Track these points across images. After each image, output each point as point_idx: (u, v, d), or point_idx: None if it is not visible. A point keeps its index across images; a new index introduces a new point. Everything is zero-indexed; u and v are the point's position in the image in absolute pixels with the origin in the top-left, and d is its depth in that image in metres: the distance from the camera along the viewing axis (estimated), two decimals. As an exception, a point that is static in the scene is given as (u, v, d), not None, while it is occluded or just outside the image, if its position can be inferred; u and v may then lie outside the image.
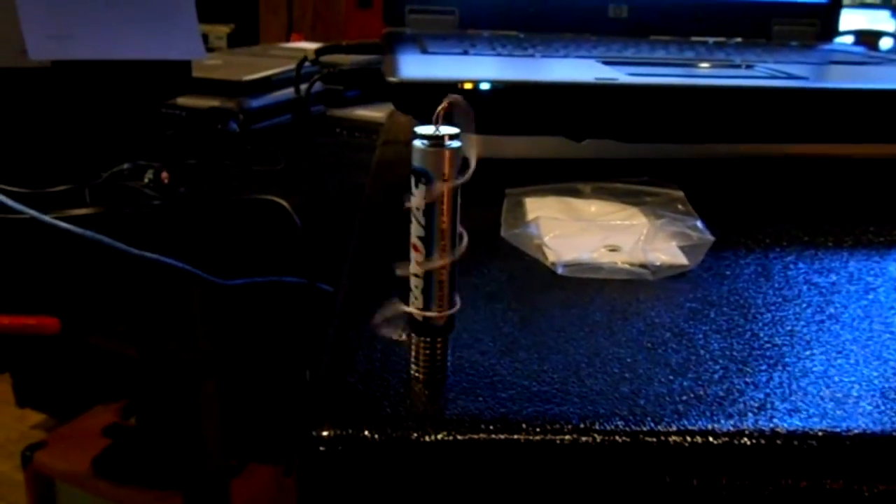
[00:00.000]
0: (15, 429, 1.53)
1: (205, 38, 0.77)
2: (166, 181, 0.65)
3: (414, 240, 0.23)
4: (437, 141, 0.22)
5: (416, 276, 0.24)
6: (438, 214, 0.23)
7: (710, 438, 0.22)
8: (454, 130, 0.22)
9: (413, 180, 0.23)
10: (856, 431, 0.22)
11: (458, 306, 0.24)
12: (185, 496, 0.92)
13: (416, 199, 0.23)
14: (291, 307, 0.73)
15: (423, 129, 0.23)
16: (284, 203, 0.64)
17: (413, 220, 0.23)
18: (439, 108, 0.22)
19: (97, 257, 0.58)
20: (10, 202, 0.55)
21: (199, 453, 0.84)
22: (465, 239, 0.23)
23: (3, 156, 0.65)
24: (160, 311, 0.74)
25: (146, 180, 0.65)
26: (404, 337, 0.25)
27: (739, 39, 0.71)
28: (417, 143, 0.22)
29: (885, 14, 1.84)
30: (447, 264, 0.23)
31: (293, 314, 0.77)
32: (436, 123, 0.22)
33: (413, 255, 0.23)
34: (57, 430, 1.26)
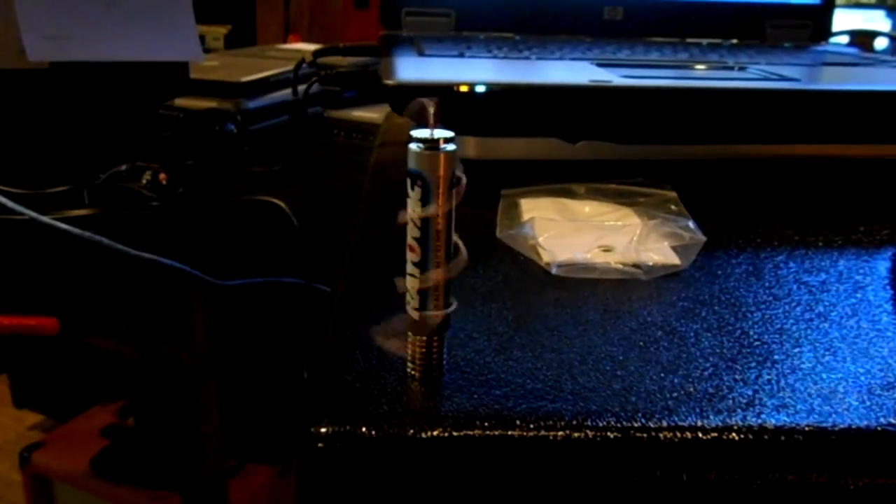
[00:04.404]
0: (13, 429, 1.53)
1: (201, 38, 0.78)
2: (164, 182, 0.65)
3: (410, 241, 0.24)
4: (432, 144, 0.23)
5: (412, 276, 0.24)
6: (434, 217, 0.23)
7: (700, 434, 0.23)
8: (449, 134, 0.23)
9: (409, 183, 0.23)
10: (842, 427, 0.23)
11: (453, 307, 0.25)
12: (183, 496, 0.93)
13: (412, 202, 0.23)
14: (289, 307, 0.74)
15: (418, 133, 0.23)
16: (282, 204, 0.65)
17: (409, 223, 0.24)
18: (430, 111, 0.22)
19: (96, 258, 0.58)
20: (9, 203, 0.56)
21: (197, 453, 0.85)
22: (464, 251, 0.24)
23: (1, 157, 0.66)
24: (159, 311, 0.74)
25: (144, 181, 0.65)
26: (401, 344, 0.25)
27: (734, 41, 0.71)
28: (413, 146, 0.23)
29: (880, 14, 1.85)
30: (442, 278, 0.24)
31: (291, 314, 0.77)
32: (431, 126, 0.23)
33: (409, 255, 0.24)
34: (55, 430, 1.26)
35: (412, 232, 0.24)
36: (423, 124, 0.23)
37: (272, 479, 1.05)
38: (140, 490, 1.02)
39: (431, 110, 0.22)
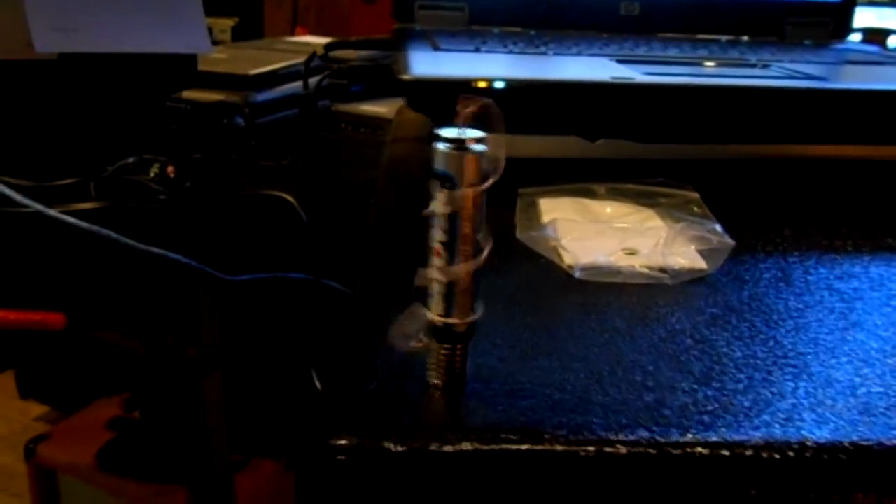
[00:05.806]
0: (18, 421, 1.53)
1: (209, 31, 0.77)
2: (172, 175, 0.64)
3: (436, 245, 0.23)
4: (460, 144, 0.22)
5: (438, 281, 0.23)
6: (462, 220, 0.22)
7: (738, 450, 0.22)
8: (479, 133, 0.22)
9: (436, 184, 0.22)
10: (887, 444, 0.22)
11: (479, 314, 0.24)
12: (189, 490, 0.92)
13: (439, 203, 0.22)
14: (297, 303, 0.73)
15: (445, 132, 0.22)
16: (290, 198, 0.64)
17: (435, 224, 0.23)
18: (467, 110, 0.21)
19: (103, 252, 0.58)
20: (15, 195, 0.55)
21: (203, 447, 0.84)
22: (490, 244, 0.23)
23: (8, 149, 0.65)
24: (166, 305, 0.74)
25: (152, 174, 0.64)
26: (421, 344, 0.24)
27: (750, 37, 0.70)
28: (440, 146, 0.22)
29: (893, 11, 1.83)
30: (470, 271, 0.23)
31: (298, 310, 0.76)
32: (461, 125, 0.22)
33: (434, 260, 0.23)
34: (60, 422, 1.25)
35: (438, 235, 0.23)
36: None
37: (278, 474, 1.05)
38: (145, 483, 1.02)
39: (468, 112, 0.21)
